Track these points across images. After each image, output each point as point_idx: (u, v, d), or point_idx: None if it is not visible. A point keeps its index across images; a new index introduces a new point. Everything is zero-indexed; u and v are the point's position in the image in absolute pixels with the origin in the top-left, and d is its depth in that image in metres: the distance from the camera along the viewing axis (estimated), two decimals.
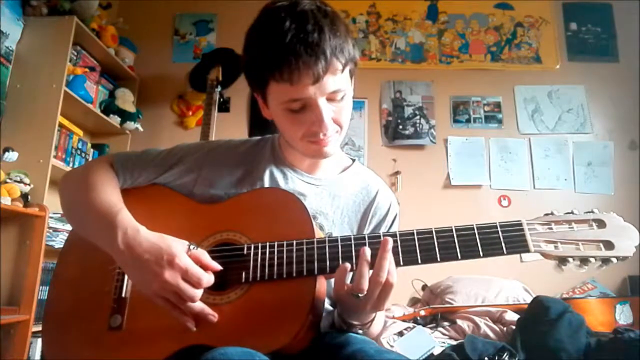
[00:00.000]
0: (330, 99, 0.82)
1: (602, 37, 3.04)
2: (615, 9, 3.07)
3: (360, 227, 0.95)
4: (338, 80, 0.80)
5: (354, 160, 1.03)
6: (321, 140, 0.84)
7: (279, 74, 0.77)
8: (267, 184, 0.93)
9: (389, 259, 0.72)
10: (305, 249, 0.77)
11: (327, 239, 0.78)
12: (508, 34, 3.08)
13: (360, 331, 0.85)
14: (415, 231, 0.76)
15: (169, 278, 0.72)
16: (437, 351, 1.78)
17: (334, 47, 0.78)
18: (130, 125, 2.74)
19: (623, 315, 2.17)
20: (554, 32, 3.07)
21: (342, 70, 0.81)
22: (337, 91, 0.81)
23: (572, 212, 0.74)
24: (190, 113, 2.99)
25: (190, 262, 0.74)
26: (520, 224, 0.73)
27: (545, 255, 0.72)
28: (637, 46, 2.95)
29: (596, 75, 2.97)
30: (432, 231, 0.75)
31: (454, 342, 1.87)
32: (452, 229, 0.75)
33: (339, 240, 0.77)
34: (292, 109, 0.82)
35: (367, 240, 0.76)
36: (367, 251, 0.73)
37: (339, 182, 0.97)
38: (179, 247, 0.75)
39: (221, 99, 2.82)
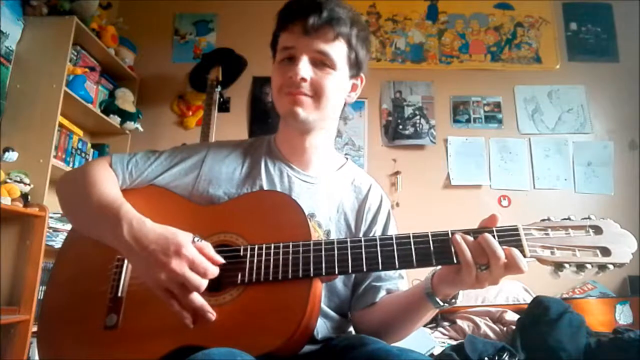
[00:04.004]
0: (316, 60, 0.89)
1: (602, 37, 3.04)
2: (615, 9, 3.07)
3: (357, 223, 0.96)
4: (328, 47, 0.89)
5: (347, 159, 1.06)
6: (293, 93, 0.89)
7: (284, 23, 0.91)
8: (264, 182, 0.94)
9: (492, 243, 0.70)
10: (301, 251, 0.76)
11: (323, 241, 0.77)
12: (508, 34, 3.08)
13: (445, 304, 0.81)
14: (411, 234, 0.75)
15: (175, 267, 0.72)
16: (437, 351, 1.78)
17: (334, 13, 0.88)
18: (130, 125, 2.74)
19: (623, 315, 2.17)
20: (554, 32, 3.07)
21: (334, 40, 0.89)
22: (324, 54, 0.89)
23: (569, 218, 0.74)
24: (190, 113, 2.99)
25: (196, 253, 0.74)
26: (517, 229, 0.73)
27: (541, 260, 0.71)
28: (637, 46, 2.95)
29: (596, 75, 2.97)
30: (428, 235, 0.75)
31: (454, 342, 1.87)
32: (448, 233, 0.74)
33: (335, 243, 0.77)
34: (282, 59, 0.91)
35: (362, 243, 0.76)
36: (458, 238, 0.72)
37: (335, 180, 0.99)
38: (185, 238, 0.75)
39: (221, 99, 2.82)
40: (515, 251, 0.69)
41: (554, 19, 3.09)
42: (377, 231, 0.97)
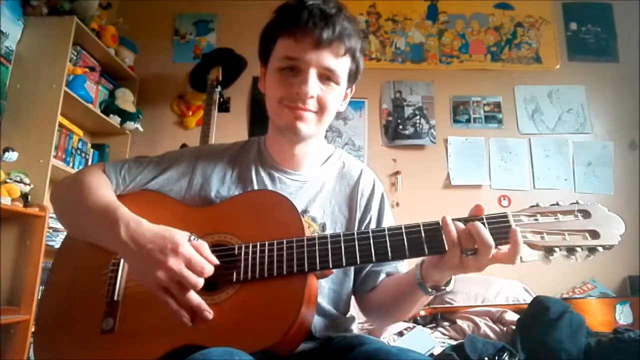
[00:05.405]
0: (323, 76, 0.87)
1: (602, 37, 3.04)
2: (615, 9, 3.07)
3: (351, 210, 0.97)
4: (336, 63, 0.86)
5: (335, 148, 1.06)
6: (298, 108, 0.87)
7: (288, 29, 0.85)
8: (255, 185, 0.95)
9: (482, 232, 0.70)
10: (295, 247, 0.77)
11: (317, 236, 0.78)
12: (508, 34, 3.08)
13: (433, 291, 0.81)
14: (403, 226, 0.76)
15: (173, 265, 0.72)
16: (437, 351, 1.78)
17: (345, 28, 0.85)
18: (130, 125, 2.74)
19: (623, 315, 2.17)
20: (554, 32, 3.07)
21: (343, 55, 0.87)
22: (331, 71, 0.86)
23: (557, 204, 0.74)
24: (190, 113, 2.99)
25: (193, 251, 0.75)
26: (506, 216, 0.73)
27: (531, 245, 0.72)
28: (637, 46, 2.95)
29: (596, 75, 2.97)
30: (419, 225, 0.76)
31: (454, 342, 1.87)
32: (439, 223, 0.75)
33: (329, 237, 0.77)
34: (284, 67, 0.87)
35: (355, 236, 0.77)
36: (447, 220, 0.74)
37: (324, 172, 1.00)
38: (181, 237, 0.76)
39: (221, 99, 2.82)
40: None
41: (554, 19, 3.09)
42: (372, 217, 0.97)
